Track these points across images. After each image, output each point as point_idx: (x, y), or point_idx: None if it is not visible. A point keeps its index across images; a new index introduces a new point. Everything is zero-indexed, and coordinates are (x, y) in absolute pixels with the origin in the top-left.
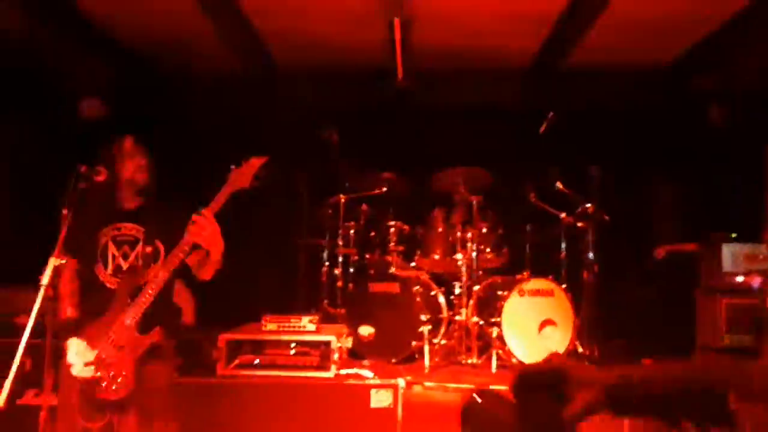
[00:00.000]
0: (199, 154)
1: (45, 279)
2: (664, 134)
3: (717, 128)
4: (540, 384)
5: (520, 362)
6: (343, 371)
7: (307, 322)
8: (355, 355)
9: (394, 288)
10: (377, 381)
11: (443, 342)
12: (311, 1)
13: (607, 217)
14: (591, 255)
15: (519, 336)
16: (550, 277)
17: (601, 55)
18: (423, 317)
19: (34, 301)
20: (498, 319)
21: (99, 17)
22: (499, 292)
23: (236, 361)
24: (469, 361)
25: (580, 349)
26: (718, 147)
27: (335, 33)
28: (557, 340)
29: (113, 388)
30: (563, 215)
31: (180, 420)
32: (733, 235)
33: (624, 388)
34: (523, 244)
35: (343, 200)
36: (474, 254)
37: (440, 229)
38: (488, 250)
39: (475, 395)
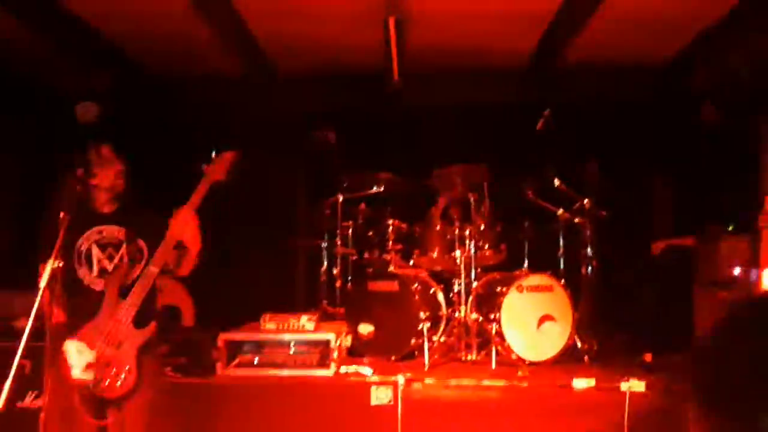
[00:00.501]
0: (198, 155)
1: (43, 282)
2: (660, 130)
3: (711, 124)
4: None
5: (520, 358)
6: (343, 369)
7: (306, 321)
8: (354, 353)
9: (393, 286)
10: (377, 378)
11: (443, 339)
12: (307, 2)
13: (603, 213)
14: (589, 250)
15: (518, 332)
16: (549, 272)
17: (596, 53)
18: (422, 315)
19: (32, 305)
20: (497, 316)
21: (93, 20)
22: (498, 289)
23: (236, 361)
24: (469, 358)
25: (579, 344)
26: (712, 142)
27: (331, 34)
28: (556, 336)
29: (117, 384)
30: (561, 211)
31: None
32: (730, 228)
33: None
34: (521, 241)
35: (341, 200)
36: (472, 251)
37: (438, 227)
38: (486, 246)
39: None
